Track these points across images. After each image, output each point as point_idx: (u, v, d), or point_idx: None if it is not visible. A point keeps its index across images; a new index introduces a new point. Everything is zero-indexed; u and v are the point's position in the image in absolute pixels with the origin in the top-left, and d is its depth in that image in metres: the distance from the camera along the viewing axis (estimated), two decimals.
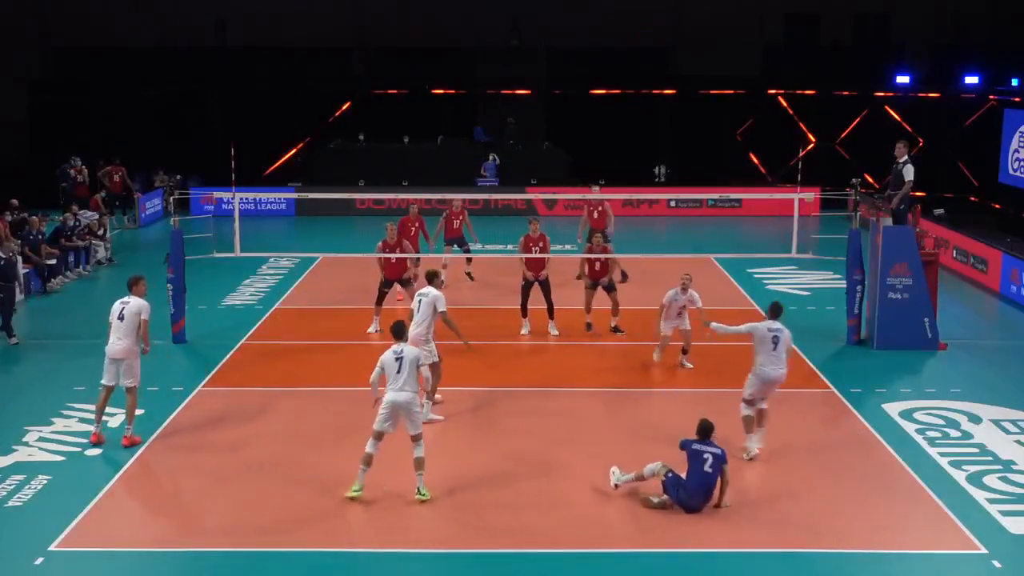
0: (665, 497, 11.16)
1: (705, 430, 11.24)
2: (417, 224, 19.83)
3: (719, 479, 11.10)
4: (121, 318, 12.75)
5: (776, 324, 12.53)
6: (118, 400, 13.41)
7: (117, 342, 12.71)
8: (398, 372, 11.25)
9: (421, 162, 32.49)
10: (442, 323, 13.70)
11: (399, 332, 11.62)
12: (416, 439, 11.34)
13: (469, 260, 21.78)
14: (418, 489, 11.31)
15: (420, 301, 13.54)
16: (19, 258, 20.35)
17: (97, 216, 25.01)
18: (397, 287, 18.22)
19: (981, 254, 22.35)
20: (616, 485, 11.51)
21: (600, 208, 20.84)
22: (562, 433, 13.44)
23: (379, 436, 11.34)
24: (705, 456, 11.03)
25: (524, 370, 16.15)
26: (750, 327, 12.68)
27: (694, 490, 11.03)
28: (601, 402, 14.65)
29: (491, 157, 32.27)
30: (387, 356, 11.37)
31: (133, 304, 12.83)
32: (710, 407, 12.88)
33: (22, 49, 34.55)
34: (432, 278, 13.88)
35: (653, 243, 27.23)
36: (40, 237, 21.31)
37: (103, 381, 12.93)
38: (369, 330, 17.82)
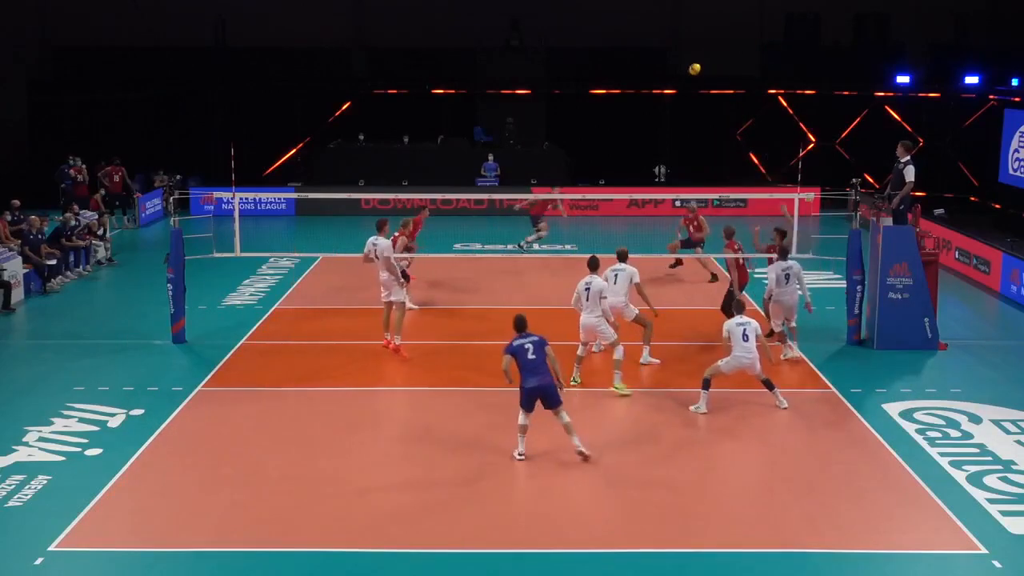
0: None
1: (520, 324, 12.55)
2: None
3: (547, 360, 12.39)
4: (376, 257, 16.32)
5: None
6: (119, 401, 13.44)
7: (381, 273, 16.31)
8: (587, 300, 14.57)
9: (421, 162, 32.48)
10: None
11: (594, 265, 14.91)
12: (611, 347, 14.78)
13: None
14: (616, 384, 14.60)
15: (616, 275, 15.63)
16: (19, 258, 20.39)
17: (97, 216, 25.01)
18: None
19: (981, 254, 22.34)
20: (521, 455, 12.40)
21: (696, 222, 21.99)
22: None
23: (584, 344, 15.15)
24: (526, 347, 12.30)
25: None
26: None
27: (528, 376, 12.26)
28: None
29: (490, 157, 32.28)
30: (579, 285, 14.66)
31: (381, 244, 16.37)
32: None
33: (22, 49, 34.55)
34: (624, 256, 15.88)
35: (653, 243, 27.17)
36: (40, 237, 21.32)
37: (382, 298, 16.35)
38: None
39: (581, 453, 12.33)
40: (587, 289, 14.77)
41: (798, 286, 16.15)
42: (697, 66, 19.53)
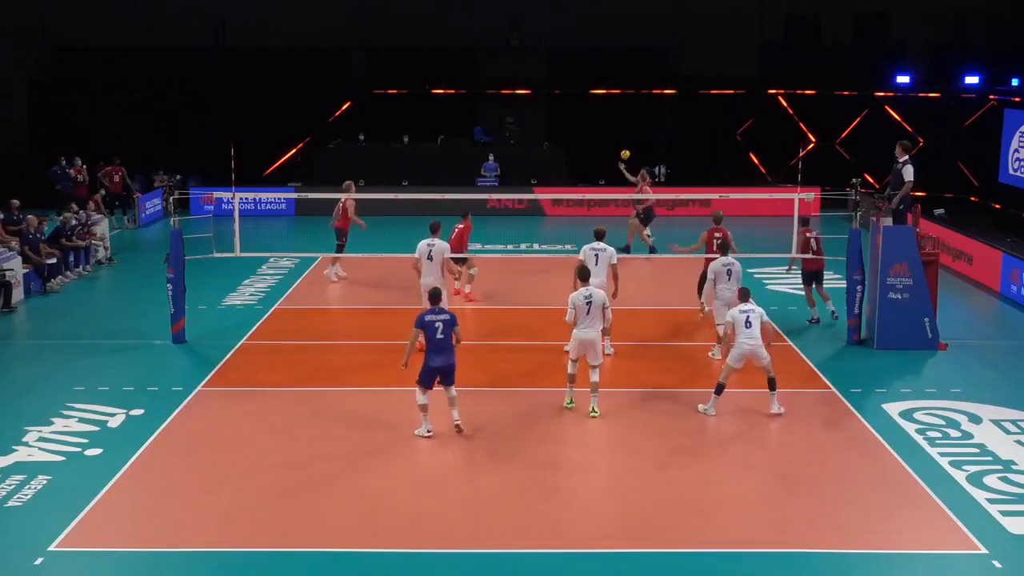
0: None
1: (434, 297, 13.01)
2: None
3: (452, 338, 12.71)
4: (430, 258, 16.13)
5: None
6: (119, 401, 13.43)
7: (427, 277, 16.04)
8: (588, 313, 13.51)
9: (421, 162, 32.48)
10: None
11: (584, 275, 13.83)
12: (594, 368, 13.68)
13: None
14: (592, 407, 13.67)
15: (597, 255, 15.78)
16: (19, 258, 20.39)
17: (99, 217, 25.04)
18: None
19: (981, 254, 22.34)
20: (429, 432, 12.87)
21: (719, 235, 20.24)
22: (569, 434, 13.45)
23: (575, 361, 13.93)
24: (436, 324, 12.59)
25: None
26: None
27: (434, 354, 12.60)
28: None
29: (490, 157, 32.27)
30: (577, 297, 13.59)
31: (439, 246, 16.29)
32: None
33: (22, 49, 34.56)
34: (602, 234, 16.08)
35: (653, 242, 27.18)
36: (40, 237, 21.32)
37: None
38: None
39: (458, 426, 12.95)
40: (588, 302, 13.54)
41: (736, 285, 15.52)
42: (626, 152, 20.80)
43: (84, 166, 28.66)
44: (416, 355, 12.96)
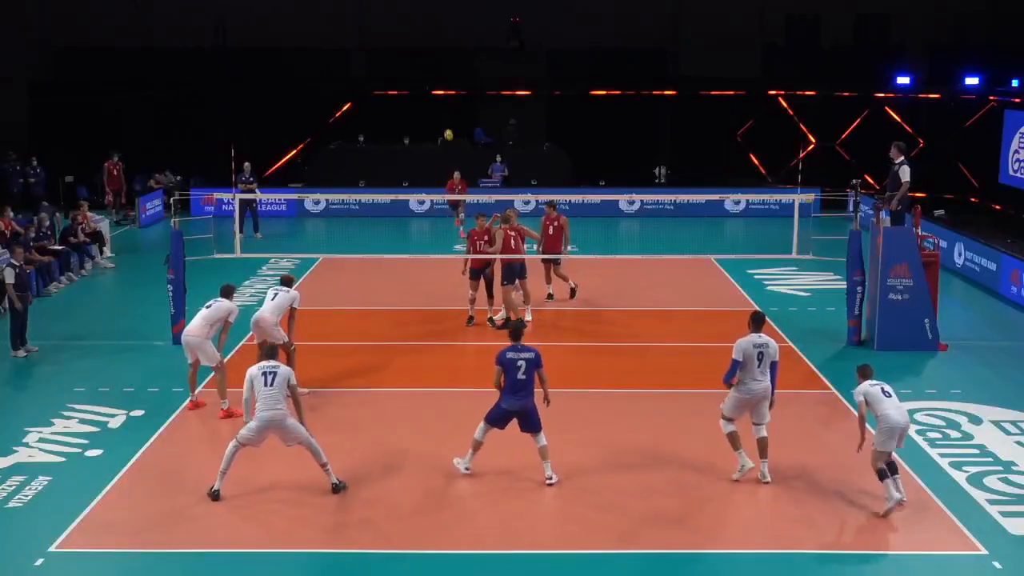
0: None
1: (516, 333, 11.72)
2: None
3: (538, 379, 11.59)
4: (208, 307, 14.17)
5: (761, 339, 11.74)
6: (120, 401, 13.44)
7: (191, 328, 14.10)
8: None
9: (421, 163, 32.44)
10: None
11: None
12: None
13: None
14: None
15: (276, 294, 14.73)
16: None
17: (100, 217, 25.11)
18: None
19: (981, 255, 22.34)
20: (468, 469, 11.88)
21: (557, 223, 19.62)
22: (560, 434, 13.46)
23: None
24: (519, 363, 11.45)
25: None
26: (738, 351, 11.61)
27: (510, 395, 11.49)
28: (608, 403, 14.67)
29: (497, 158, 32.19)
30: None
31: (224, 304, 14.21)
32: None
33: (22, 49, 34.56)
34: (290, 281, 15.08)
35: (654, 243, 27.22)
36: (47, 234, 21.36)
37: (187, 359, 14.12)
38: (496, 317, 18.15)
39: (549, 479, 11.66)
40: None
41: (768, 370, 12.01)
42: (450, 132, 19.04)
43: (120, 161, 29.67)
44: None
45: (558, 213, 19.60)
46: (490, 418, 11.70)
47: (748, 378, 11.63)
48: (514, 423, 11.74)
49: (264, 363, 11.76)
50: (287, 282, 15.13)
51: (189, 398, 14.36)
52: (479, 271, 17.96)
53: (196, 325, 14.06)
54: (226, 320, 14.17)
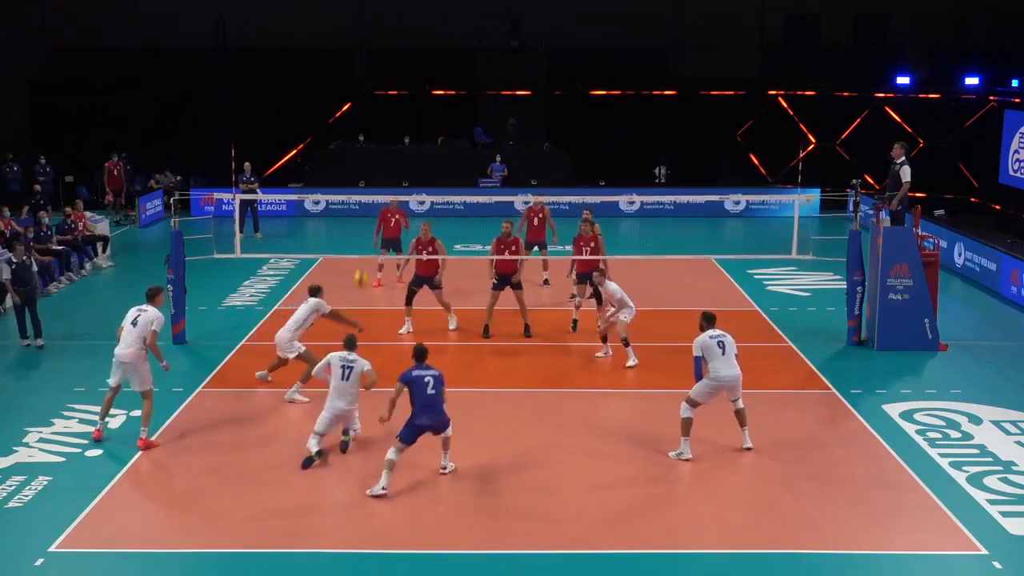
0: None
1: (420, 355, 11.62)
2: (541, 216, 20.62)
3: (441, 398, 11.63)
4: (134, 324, 12.87)
5: (716, 332, 12.48)
6: (120, 401, 13.43)
7: (126, 348, 12.81)
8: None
9: (421, 163, 32.45)
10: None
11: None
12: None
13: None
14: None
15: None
16: (32, 261, 20.37)
17: (100, 217, 25.11)
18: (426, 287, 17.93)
19: (981, 255, 22.35)
20: (384, 489, 11.42)
21: (541, 215, 20.73)
22: (553, 435, 13.46)
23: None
24: (426, 380, 11.50)
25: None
26: (697, 347, 12.42)
27: (421, 412, 11.48)
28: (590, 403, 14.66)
29: (497, 158, 32.18)
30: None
31: (149, 313, 12.95)
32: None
33: (22, 49, 34.56)
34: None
35: (654, 243, 27.24)
36: (49, 234, 21.36)
37: (109, 381, 12.99)
38: (401, 331, 17.71)
39: (443, 469, 11.94)
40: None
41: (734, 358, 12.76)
42: (360, 275, 17.21)
43: (120, 160, 29.87)
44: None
45: (542, 206, 20.58)
46: (404, 437, 11.56)
47: (716, 366, 12.29)
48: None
49: (344, 353, 12.29)
50: (313, 292, 15.01)
51: (96, 427, 13.12)
52: (506, 277, 17.58)
53: (130, 344, 12.79)
54: (152, 330, 12.88)
